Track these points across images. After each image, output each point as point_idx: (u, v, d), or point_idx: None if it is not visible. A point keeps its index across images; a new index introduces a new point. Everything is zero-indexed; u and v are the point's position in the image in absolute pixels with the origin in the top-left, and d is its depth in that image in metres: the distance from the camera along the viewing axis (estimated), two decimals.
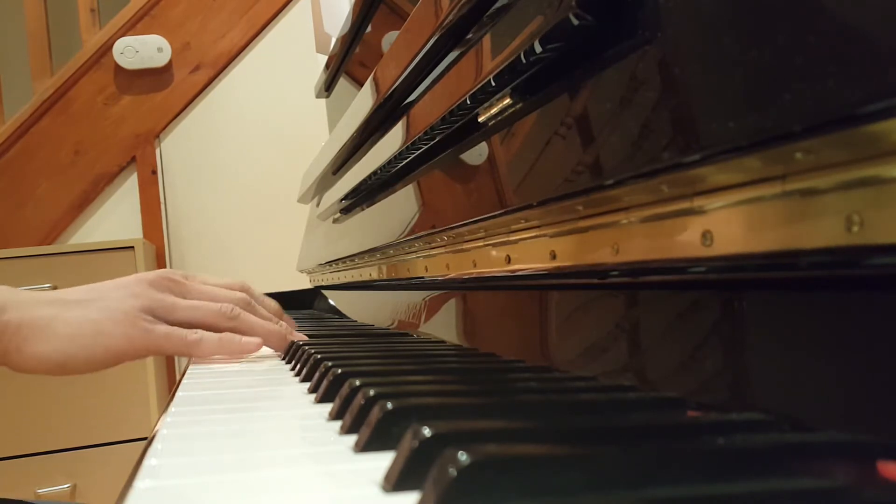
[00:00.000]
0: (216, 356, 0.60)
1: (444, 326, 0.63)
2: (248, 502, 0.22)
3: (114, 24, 1.99)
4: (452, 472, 0.19)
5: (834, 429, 0.22)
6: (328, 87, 1.52)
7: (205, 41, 2.03)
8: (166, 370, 1.95)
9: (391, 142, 0.71)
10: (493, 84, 0.45)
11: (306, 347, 0.57)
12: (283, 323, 0.67)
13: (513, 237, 0.47)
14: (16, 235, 1.93)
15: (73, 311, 0.53)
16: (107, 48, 1.97)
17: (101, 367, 0.55)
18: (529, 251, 0.44)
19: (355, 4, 1.15)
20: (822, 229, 0.22)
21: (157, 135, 2.02)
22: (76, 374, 0.54)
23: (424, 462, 0.22)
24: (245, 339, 0.59)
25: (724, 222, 0.26)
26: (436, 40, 0.56)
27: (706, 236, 0.27)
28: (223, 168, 2.05)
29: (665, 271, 0.32)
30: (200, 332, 0.57)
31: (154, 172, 2.01)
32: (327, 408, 0.38)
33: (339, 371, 0.41)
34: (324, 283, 1.32)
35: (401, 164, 0.73)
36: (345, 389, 0.35)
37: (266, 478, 0.25)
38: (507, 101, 0.45)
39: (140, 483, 0.24)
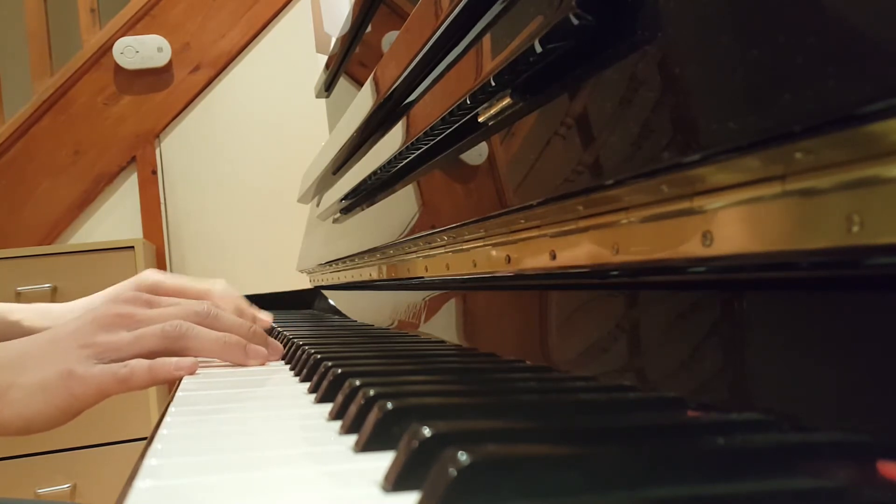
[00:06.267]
0: (211, 360, 0.59)
1: (444, 326, 0.63)
2: (248, 502, 0.22)
3: (114, 24, 1.98)
4: (452, 472, 0.19)
5: (834, 429, 0.22)
6: (328, 87, 1.52)
7: (205, 41, 2.03)
8: None
9: (391, 142, 0.71)
10: (493, 84, 0.45)
11: (306, 347, 0.57)
12: (255, 326, 0.63)
13: (513, 237, 0.47)
14: (16, 235, 1.93)
15: (27, 375, 0.54)
16: (107, 48, 1.97)
17: (63, 422, 0.55)
18: (529, 251, 0.44)
19: (355, 4, 1.15)
20: (822, 229, 0.22)
21: (157, 135, 2.02)
22: (43, 431, 0.55)
23: (424, 462, 0.22)
24: (176, 362, 0.55)
25: (724, 222, 0.26)
26: (436, 40, 0.56)
27: (706, 236, 0.27)
28: (223, 168, 2.05)
29: (665, 271, 0.32)
30: (131, 365, 0.54)
31: (154, 172, 2.01)
32: (327, 408, 0.38)
33: (339, 371, 0.41)
34: (324, 283, 1.32)
35: (401, 164, 0.73)
36: (345, 389, 0.35)
37: (266, 477, 0.25)
38: (507, 101, 0.45)
39: (140, 483, 0.24)
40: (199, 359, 0.58)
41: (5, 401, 0.53)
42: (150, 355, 0.56)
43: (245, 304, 0.72)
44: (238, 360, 0.59)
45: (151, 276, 0.69)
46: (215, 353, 0.58)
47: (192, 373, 0.55)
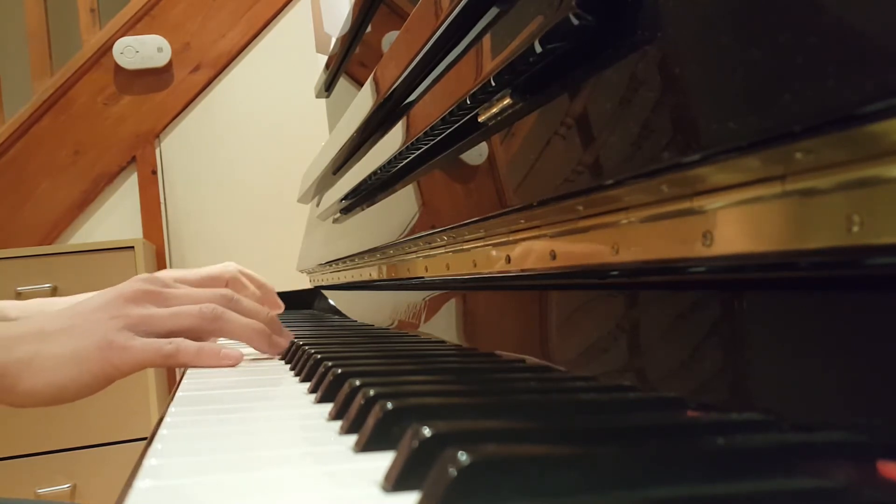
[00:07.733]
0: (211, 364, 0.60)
1: (444, 326, 0.63)
2: (247, 502, 0.22)
3: (114, 24, 1.98)
4: (452, 472, 0.19)
5: (834, 429, 0.22)
6: (328, 87, 1.52)
7: (205, 41, 2.03)
8: (166, 370, 1.95)
9: (391, 142, 0.71)
10: (493, 84, 0.45)
11: (306, 347, 0.57)
12: (271, 312, 0.65)
13: (513, 237, 0.47)
14: (16, 235, 1.93)
15: (54, 344, 0.54)
16: (107, 48, 1.97)
17: (95, 391, 0.55)
18: (529, 251, 0.44)
19: (355, 4, 1.15)
20: (822, 229, 0.22)
21: (157, 135, 2.02)
22: (73, 400, 0.55)
23: (424, 462, 0.22)
24: (224, 351, 0.57)
25: (724, 222, 0.26)
26: (436, 40, 0.56)
27: (706, 236, 0.27)
28: (223, 168, 2.05)
29: (665, 271, 0.32)
30: (177, 342, 0.56)
31: (154, 172, 2.01)
32: (327, 408, 0.38)
33: (340, 371, 0.41)
34: (324, 283, 1.32)
35: (401, 164, 0.73)
36: (345, 389, 0.35)
37: (266, 477, 0.25)
38: (507, 101, 0.45)
39: (140, 483, 0.24)
40: (246, 352, 0.60)
41: (32, 369, 0.53)
42: (183, 333, 0.57)
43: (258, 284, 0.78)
44: (262, 349, 0.62)
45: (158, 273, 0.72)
46: (244, 338, 0.61)
47: (235, 364, 0.57)
